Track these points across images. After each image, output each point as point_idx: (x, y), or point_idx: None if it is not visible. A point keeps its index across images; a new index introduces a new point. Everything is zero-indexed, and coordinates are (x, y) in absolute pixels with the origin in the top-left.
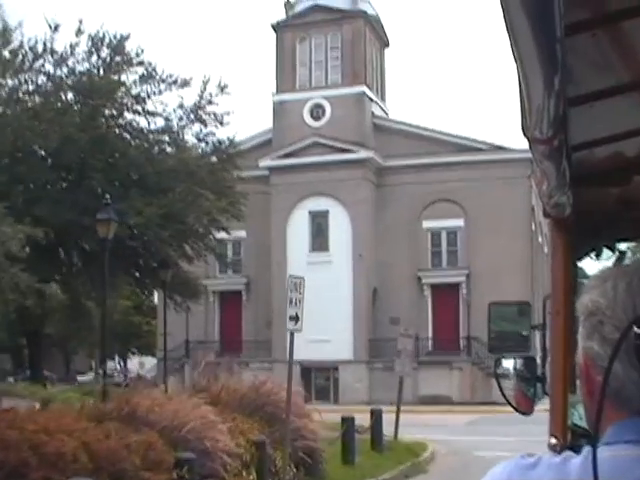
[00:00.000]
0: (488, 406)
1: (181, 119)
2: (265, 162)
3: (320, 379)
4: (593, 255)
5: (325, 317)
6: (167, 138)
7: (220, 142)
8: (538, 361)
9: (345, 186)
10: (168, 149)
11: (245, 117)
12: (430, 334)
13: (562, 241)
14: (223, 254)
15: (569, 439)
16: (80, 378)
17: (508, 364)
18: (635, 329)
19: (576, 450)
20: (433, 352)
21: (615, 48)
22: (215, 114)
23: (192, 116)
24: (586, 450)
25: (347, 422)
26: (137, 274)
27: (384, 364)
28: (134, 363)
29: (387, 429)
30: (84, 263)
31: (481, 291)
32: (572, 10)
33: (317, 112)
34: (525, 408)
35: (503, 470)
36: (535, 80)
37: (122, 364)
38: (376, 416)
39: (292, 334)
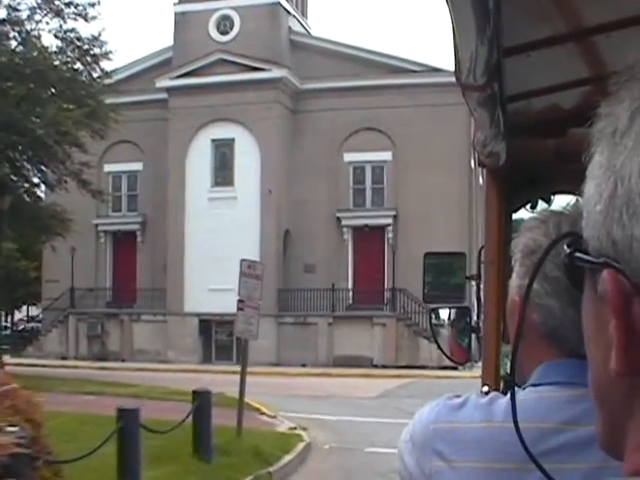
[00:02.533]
0: (415, 370)
1: (33, 10)
2: (163, 82)
3: (222, 335)
4: (528, 207)
5: (228, 262)
6: (14, 32)
7: (80, 39)
8: (473, 311)
9: (254, 110)
10: (15, 45)
11: (145, 36)
12: (350, 284)
13: (497, 191)
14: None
15: (501, 388)
16: None
17: (444, 314)
18: (565, 248)
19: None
20: (353, 305)
21: None
22: (76, 5)
23: (47, 8)
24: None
25: (128, 413)
26: None
27: (295, 318)
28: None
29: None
30: None
31: (410, 236)
32: None
33: (224, 25)
34: (459, 358)
35: (430, 411)
36: (466, 26)
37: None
38: (201, 401)
39: None
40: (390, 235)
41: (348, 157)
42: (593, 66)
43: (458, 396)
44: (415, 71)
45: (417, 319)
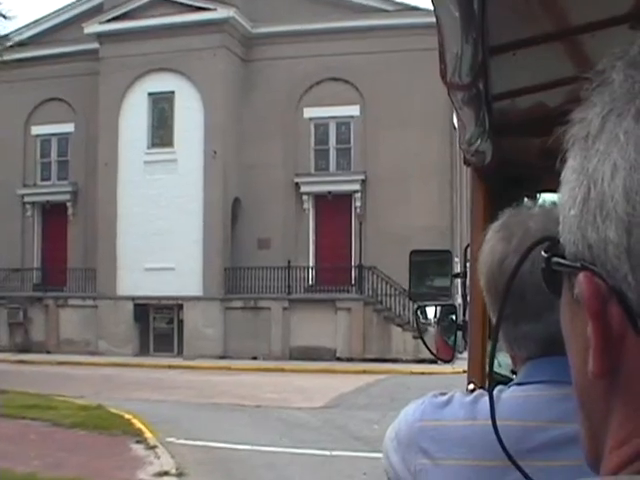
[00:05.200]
0: (385, 364)
1: None
2: (92, 27)
3: (161, 322)
4: (514, 205)
5: (168, 237)
6: None
7: None
8: (459, 309)
9: (197, 58)
10: None
11: None
12: (311, 262)
13: (482, 190)
14: None
15: (487, 386)
16: None
17: (430, 313)
18: (542, 253)
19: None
20: (314, 287)
21: None
22: None
23: None
24: (497, 389)
25: None
26: None
27: (245, 302)
28: None
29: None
30: None
31: (381, 204)
32: None
33: None
34: (446, 355)
35: (416, 409)
36: (452, 25)
37: None
38: None
39: None
40: (358, 204)
41: (308, 113)
42: (579, 65)
43: (444, 394)
44: (387, 10)
45: (388, 303)
